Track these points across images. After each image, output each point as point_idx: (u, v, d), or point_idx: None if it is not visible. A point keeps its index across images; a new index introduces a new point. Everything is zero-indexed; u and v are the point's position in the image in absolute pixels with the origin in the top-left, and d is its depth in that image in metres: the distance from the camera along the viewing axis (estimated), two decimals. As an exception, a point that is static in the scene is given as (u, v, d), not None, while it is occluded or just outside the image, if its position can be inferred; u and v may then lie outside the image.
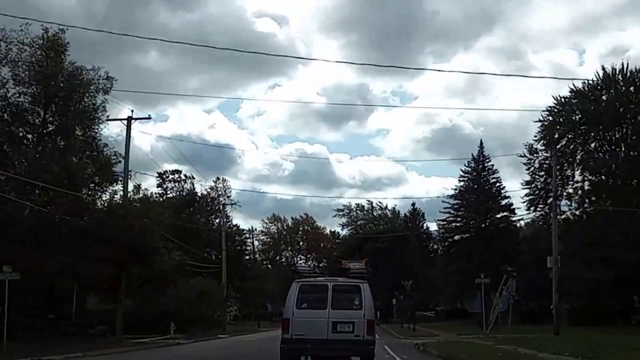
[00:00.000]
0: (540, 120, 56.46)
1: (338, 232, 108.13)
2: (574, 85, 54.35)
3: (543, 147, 56.84)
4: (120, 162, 33.40)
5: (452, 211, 68.71)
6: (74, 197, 27.71)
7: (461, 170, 68.56)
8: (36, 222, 27.19)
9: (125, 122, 32.53)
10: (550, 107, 56.35)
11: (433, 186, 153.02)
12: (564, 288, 46.32)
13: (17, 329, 27.11)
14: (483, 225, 66.42)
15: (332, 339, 14.74)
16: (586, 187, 53.88)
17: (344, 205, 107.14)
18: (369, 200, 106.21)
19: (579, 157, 54.04)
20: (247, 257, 70.66)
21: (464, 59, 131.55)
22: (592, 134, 52.85)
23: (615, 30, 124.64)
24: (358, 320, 14.84)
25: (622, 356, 16.82)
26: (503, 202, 66.19)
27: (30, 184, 27.39)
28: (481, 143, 67.88)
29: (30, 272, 25.41)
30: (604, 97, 52.65)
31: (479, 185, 67.10)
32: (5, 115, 29.88)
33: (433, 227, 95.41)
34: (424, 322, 73.27)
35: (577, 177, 54.62)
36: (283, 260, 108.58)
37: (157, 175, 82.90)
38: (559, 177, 55.17)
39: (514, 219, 65.66)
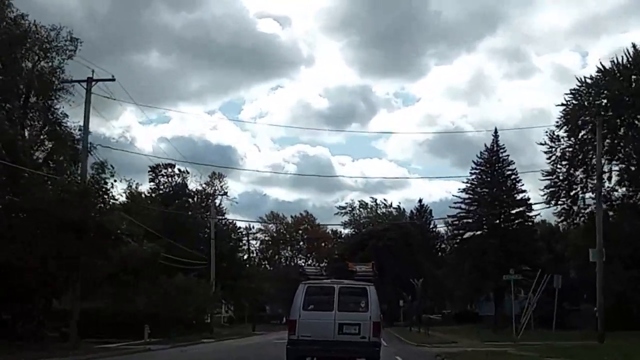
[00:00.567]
0: (563, 104, 51.18)
1: (340, 232, 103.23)
2: (601, 65, 49.19)
3: (566, 134, 51.51)
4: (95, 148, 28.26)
5: (463, 206, 63.43)
6: (9, 173, 22.64)
7: (473, 162, 63.38)
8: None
9: (84, 84, 27.36)
10: (574, 89, 51.13)
11: (435, 189, 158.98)
12: (591, 289, 41.42)
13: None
14: (497, 221, 61.16)
15: (338, 341, 14.78)
16: (614, 178, 48.70)
17: (347, 203, 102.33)
18: (372, 198, 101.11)
19: (606, 143, 48.83)
20: (242, 255, 65.49)
21: (467, 61, 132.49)
22: (622, 118, 47.62)
23: (618, 32, 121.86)
24: (364, 322, 14.84)
25: None
26: (519, 197, 60.91)
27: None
28: (495, 131, 62.68)
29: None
30: (634, 77, 47.46)
31: (492, 178, 61.83)
32: None
33: (440, 226, 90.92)
34: (432, 325, 68.25)
35: (604, 167, 49.40)
36: (282, 260, 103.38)
37: (149, 169, 78.79)
38: (583, 168, 50.14)
39: (531, 214, 60.40)
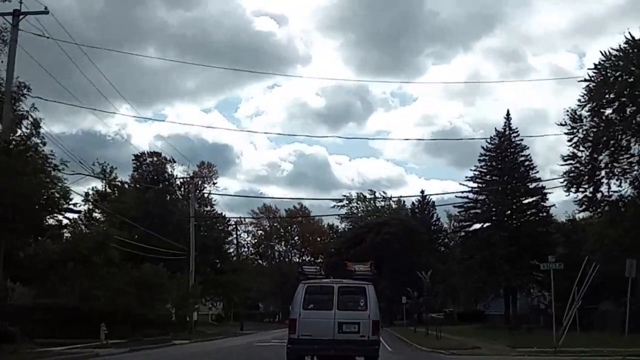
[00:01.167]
0: (586, 80, 45.66)
1: (337, 226, 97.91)
2: (629, 35, 43.70)
3: (589, 113, 46.04)
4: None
5: (470, 196, 58.12)
6: None
7: (482, 147, 58.03)
8: None
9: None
10: (598, 64, 45.63)
11: (435, 189, 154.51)
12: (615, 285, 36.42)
13: None
14: (508, 211, 55.82)
15: (338, 339, 14.94)
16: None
17: (343, 196, 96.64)
18: (370, 190, 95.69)
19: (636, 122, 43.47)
20: (228, 247, 59.94)
21: (464, 60, 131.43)
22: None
23: (615, 33, 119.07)
24: (363, 321, 15.02)
25: None
26: (532, 185, 55.56)
27: None
28: (508, 114, 57.16)
29: None
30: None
31: (503, 165, 56.51)
32: None
33: (444, 218, 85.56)
34: (434, 325, 63.30)
35: (634, 149, 44.08)
36: (276, 255, 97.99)
37: (133, 158, 73.69)
38: (609, 151, 44.83)
39: (546, 204, 55.07)
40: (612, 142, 43.90)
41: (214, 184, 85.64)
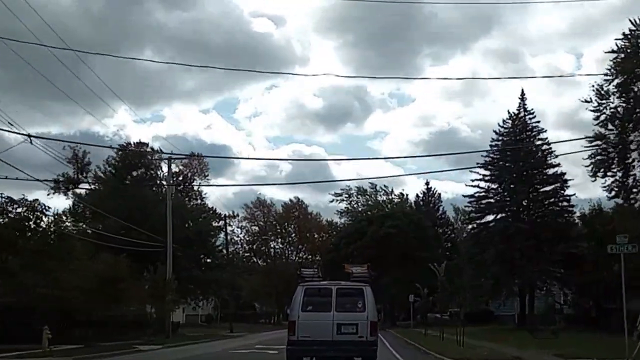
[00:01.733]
0: (614, 51, 40.53)
1: (336, 222, 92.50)
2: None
3: (617, 89, 40.94)
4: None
5: (482, 184, 52.96)
6: None
7: (494, 132, 52.84)
8: None
9: None
10: (628, 33, 40.50)
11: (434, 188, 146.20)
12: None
13: None
14: (524, 201, 50.62)
15: (337, 341, 15.10)
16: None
17: (342, 189, 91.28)
18: (371, 184, 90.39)
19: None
20: (215, 241, 54.49)
21: (462, 62, 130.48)
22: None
23: (613, 34, 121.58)
24: (361, 322, 15.23)
25: None
26: (551, 171, 50.39)
27: None
28: (522, 94, 51.79)
29: None
30: None
31: (518, 149, 51.29)
32: None
33: (451, 212, 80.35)
34: (437, 326, 58.30)
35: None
36: (271, 253, 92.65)
37: (117, 148, 68.85)
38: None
39: (566, 192, 49.93)
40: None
41: (205, 176, 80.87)
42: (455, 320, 75.69)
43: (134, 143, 77.49)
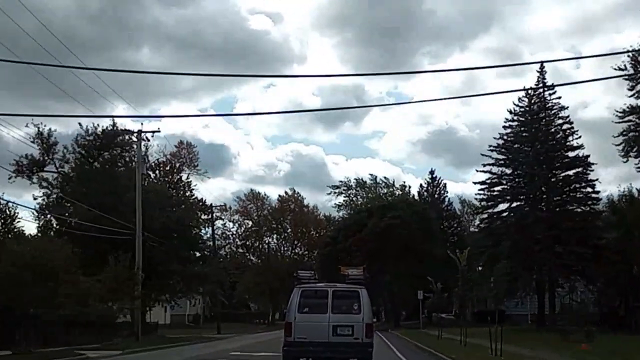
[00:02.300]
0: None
1: (334, 217, 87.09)
2: None
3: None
4: None
5: (494, 169, 47.77)
6: None
7: (508, 111, 47.61)
8: None
9: None
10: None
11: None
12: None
13: None
14: (543, 187, 45.44)
15: (333, 342, 15.25)
16: None
17: (341, 182, 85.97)
18: (371, 175, 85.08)
19: None
20: (198, 232, 48.78)
21: (460, 60, 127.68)
22: None
23: (611, 33, 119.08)
24: (357, 324, 15.39)
25: None
26: (572, 154, 45.24)
27: None
28: (542, 67, 46.30)
29: None
30: None
31: (535, 130, 46.21)
32: None
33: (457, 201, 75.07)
34: (445, 327, 53.18)
35: None
36: (265, 249, 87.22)
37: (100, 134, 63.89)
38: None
39: (590, 177, 44.75)
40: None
41: (195, 166, 75.80)
42: (461, 320, 71.10)
43: (120, 130, 73.34)
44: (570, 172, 45.01)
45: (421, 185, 69.88)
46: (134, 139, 36.78)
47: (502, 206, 47.89)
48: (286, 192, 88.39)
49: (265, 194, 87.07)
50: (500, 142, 47.83)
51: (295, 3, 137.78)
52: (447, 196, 69.20)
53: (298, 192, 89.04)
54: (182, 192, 76.65)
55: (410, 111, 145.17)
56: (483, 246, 48.78)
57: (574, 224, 43.08)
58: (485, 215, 49.38)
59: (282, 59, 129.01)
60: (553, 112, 45.72)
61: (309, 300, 15.64)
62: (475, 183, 49.45)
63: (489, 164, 47.97)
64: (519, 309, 56.34)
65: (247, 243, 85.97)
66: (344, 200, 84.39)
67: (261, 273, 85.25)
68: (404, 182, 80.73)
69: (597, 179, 44.90)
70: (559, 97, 45.34)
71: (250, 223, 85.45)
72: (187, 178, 75.87)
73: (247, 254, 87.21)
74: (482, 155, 48.29)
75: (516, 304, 53.57)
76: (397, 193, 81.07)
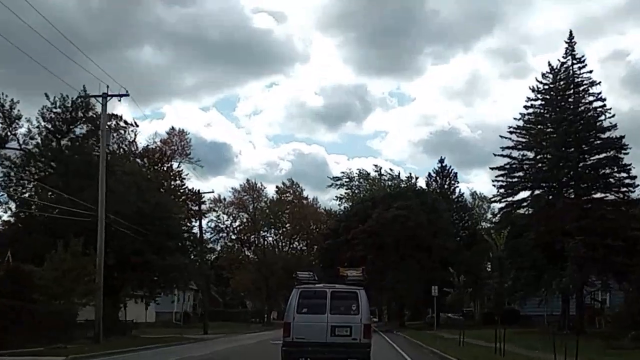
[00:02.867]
0: None
1: (335, 211, 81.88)
2: None
3: None
4: None
5: (514, 153, 42.65)
6: None
7: (531, 89, 42.49)
8: None
9: None
10: None
11: None
12: None
13: None
14: (571, 172, 40.24)
15: (331, 342, 15.34)
16: None
17: (342, 173, 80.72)
18: (375, 166, 79.97)
19: None
20: (181, 218, 43.32)
21: (464, 60, 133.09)
22: None
23: (614, 34, 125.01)
24: (355, 324, 15.48)
25: None
26: (604, 135, 39.99)
27: None
28: (571, 36, 41.05)
29: None
30: None
31: (562, 108, 41.07)
32: None
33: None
34: (452, 328, 48.29)
35: None
36: (261, 242, 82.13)
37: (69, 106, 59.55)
38: None
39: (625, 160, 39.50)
40: None
41: (187, 155, 70.91)
42: (470, 320, 65.89)
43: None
44: (602, 156, 39.77)
45: (429, 174, 64.64)
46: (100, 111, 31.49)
47: (523, 194, 42.85)
48: (284, 183, 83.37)
49: (261, 184, 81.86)
50: (521, 123, 42.81)
51: (298, 3, 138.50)
52: (457, 187, 63.99)
53: (297, 183, 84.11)
54: (170, 181, 72.07)
55: (413, 111, 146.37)
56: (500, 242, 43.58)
57: (606, 213, 37.91)
58: (503, 205, 44.13)
59: (286, 59, 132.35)
60: (582, 88, 40.53)
61: (307, 300, 15.72)
62: (492, 169, 44.29)
63: (508, 147, 42.93)
64: (531, 309, 51.39)
65: (242, 237, 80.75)
66: (345, 193, 79.26)
67: (257, 269, 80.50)
68: (410, 174, 75.28)
69: (631, 164, 39.82)
70: (590, 71, 40.25)
71: (246, 216, 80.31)
72: (179, 167, 71.49)
73: (242, 249, 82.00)
74: (501, 137, 43.28)
75: (529, 304, 48.52)
76: (403, 186, 75.82)
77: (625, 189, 39.46)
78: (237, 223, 79.95)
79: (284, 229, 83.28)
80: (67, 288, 24.55)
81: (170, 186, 70.75)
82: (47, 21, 25.89)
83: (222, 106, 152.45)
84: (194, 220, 71.21)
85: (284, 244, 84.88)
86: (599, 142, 39.67)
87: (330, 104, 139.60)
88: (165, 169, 71.69)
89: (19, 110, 37.34)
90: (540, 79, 42.13)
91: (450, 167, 63.83)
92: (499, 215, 44.70)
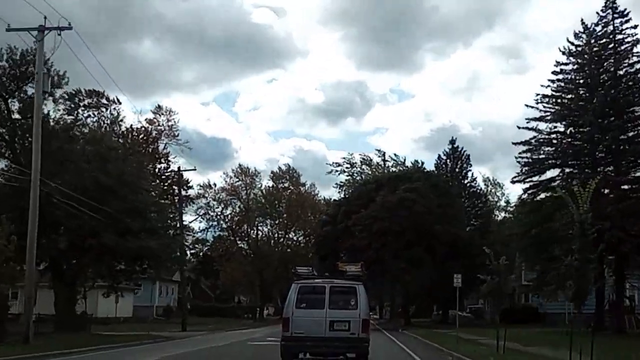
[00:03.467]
0: None
1: (335, 200, 75.78)
2: None
3: None
4: None
5: (540, 125, 36.82)
6: None
7: (561, 51, 36.57)
8: None
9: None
10: None
11: None
12: None
13: None
14: (611, 146, 34.31)
15: (330, 337, 15.34)
16: None
17: (343, 159, 74.66)
18: (378, 151, 73.96)
19: None
20: (151, 192, 37.05)
21: (464, 56, 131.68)
22: None
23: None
24: (354, 319, 15.43)
25: None
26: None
27: None
28: (611, -10, 35.09)
29: None
30: None
31: (600, 72, 35.21)
32: None
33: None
34: (461, 326, 42.59)
35: None
36: (254, 233, 76.25)
37: (66, 97, 53.97)
38: None
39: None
40: None
41: (174, 136, 65.25)
42: (479, 318, 60.03)
43: (85, 91, 64.05)
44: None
45: (439, 156, 58.37)
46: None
47: (551, 173, 36.99)
48: (280, 169, 77.41)
49: (255, 169, 75.75)
50: (549, 91, 36.97)
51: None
52: (470, 170, 57.80)
53: (294, 169, 78.22)
54: (160, 164, 66.16)
55: (413, 108, 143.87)
56: (526, 224, 37.77)
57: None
58: (528, 185, 38.15)
59: (286, 54, 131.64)
60: (625, 47, 34.62)
61: (306, 295, 15.72)
62: (515, 144, 38.38)
63: (535, 119, 37.08)
64: (551, 306, 45.52)
65: (235, 227, 74.73)
66: (346, 180, 73.20)
67: (250, 262, 74.78)
68: (417, 160, 69.04)
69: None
70: (635, 26, 34.24)
71: (239, 204, 74.31)
72: (165, 149, 65.83)
73: (235, 239, 76.03)
74: (527, 106, 37.41)
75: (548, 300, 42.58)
76: (411, 167, 69.71)
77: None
78: (229, 211, 73.95)
79: (280, 220, 77.42)
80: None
81: (155, 169, 65.16)
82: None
83: (222, 101, 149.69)
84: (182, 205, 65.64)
85: (279, 235, 79.03)
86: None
87: (331, 100, 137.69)
88: (150, 150, 66.22)
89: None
90: (572, 39, 36.36)
91: (462, 148, 57.69)
92: (523, 197, 38.72)
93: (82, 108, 61.67)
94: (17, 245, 21.89)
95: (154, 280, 37.45)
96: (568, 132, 36.49)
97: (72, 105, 60.39)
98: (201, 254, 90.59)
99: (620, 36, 34.51)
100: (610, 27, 34.74)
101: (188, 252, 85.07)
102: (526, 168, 37.77)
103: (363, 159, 72.80)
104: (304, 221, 74.26)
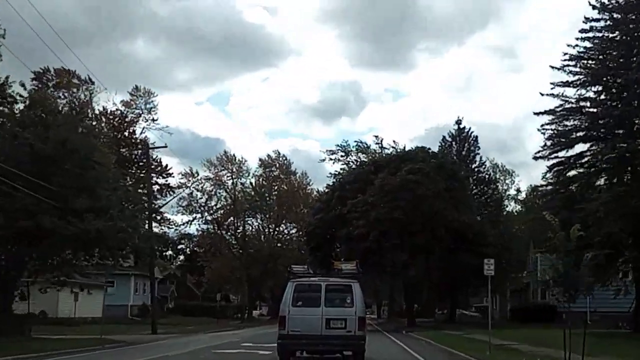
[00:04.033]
0: None
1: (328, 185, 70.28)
2: None
3: None
4: None
5: (568, 92, 31.60)
6: None
7: (591, 5, 31.27)
8: None
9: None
10: None
11: None
12: None
13: None
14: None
15: (326, 335, 15.37)
16: None
17: (338, 146, 68.87)
18: (376, 137, 68.56)
19: None
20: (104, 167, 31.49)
21: (458, 55, 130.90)
22: None
23: None
24: (350, 317, 15.46)
25: None
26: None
27: None
28: None
29: None
30: None
31: (637, 29, 29.97)
32: None
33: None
34: (473, 326, 37.51)
35: None
36: (242, 226, 70.80)
37: (32, 76, 49.72)
38: None
39: None
40: None
41: (153, 120, 60.01)
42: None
43: (54, 70, 59.92)
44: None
45: (444, 138, 52.81)
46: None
47: (580, 148, 31.70)
48: (269, 156, 71.82)
49: (242, 158, 70.05)
50: (575, 52, 31.71)
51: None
52: (478, 153, 52.30)
53: (284, 155, 72.84)
54: (132, 149, 61.01)
55: (408, 107, 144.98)
56: (552, 207, 32.36)
57: None
58: (552, 162, 32.76)
59: (280, 53, 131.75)
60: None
61: (302, 294, 15.70)
62: (537, 114, 33.07)
63: (560, 84, 31.79)
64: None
65: (220, 219, 69.20)
66: (341, 169, 67.57)
67: (238, 257, 69.44)
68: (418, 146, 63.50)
69: None
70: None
71: (225, 194, 68.80)
72: (142, 132, 60.59)
73: (220, 232, 70.46)
74: (552, 67, 32.10)
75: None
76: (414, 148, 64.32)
77: None
78: (214, 202, 68.40)
79: (271, 213, 71.97)
80: None
81: (131, 155, 59.76)
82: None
83: (216, 100, 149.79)
84: (159, 195, 60.14)
85: (269, 229, 73.62)
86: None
87: (325, 99, 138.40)
88: (126, 134, 60.82)
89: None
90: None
91: (469, 129, 52.22)
92: (547, 175, 33.32)
93: (52, 89, 56.89)
94: None
95: (107, 274, 31.60)
96: (599, 100, 31.19)
97: (40, 85, 55.28)
98: (187, 249, 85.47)
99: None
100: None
101: (169, 247, 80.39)
102: (550, 142, 32.44)
103: (359, 145, 67.11)
104: (295, 213, 68.84)
